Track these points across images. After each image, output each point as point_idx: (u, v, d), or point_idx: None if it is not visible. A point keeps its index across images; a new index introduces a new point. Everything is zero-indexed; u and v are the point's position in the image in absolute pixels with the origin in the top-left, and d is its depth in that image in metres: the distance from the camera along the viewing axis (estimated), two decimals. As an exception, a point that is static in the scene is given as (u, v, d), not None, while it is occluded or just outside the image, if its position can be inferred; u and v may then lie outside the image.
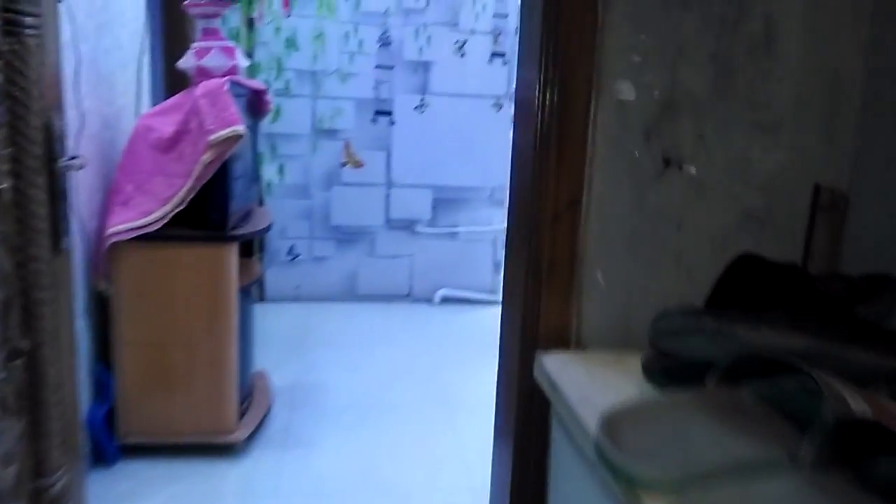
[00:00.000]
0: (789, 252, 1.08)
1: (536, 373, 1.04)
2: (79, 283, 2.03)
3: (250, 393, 2.55)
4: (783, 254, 1.04)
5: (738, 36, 1.02)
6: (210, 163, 2.05)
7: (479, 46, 3.85)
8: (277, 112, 3.72)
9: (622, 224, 1.06)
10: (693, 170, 1.05)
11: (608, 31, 1.01)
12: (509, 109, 3.94)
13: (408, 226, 4.02)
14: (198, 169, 2.05)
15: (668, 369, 0.87)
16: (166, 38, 3.04)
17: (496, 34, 3.85)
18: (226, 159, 2.07)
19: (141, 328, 2.17)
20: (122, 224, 2.08)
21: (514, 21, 3.86)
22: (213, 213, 2.14)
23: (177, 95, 2.25)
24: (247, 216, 2.43)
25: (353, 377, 3.01)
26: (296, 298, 4.00)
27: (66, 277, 1.22)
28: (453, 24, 3.81)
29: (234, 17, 3.41)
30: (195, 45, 2.18)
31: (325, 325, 3.67)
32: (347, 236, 3.99)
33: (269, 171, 3.81)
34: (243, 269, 2.39)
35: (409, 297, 4.11)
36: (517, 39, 1.22)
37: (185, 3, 2.16)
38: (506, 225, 1.22)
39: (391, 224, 4.01)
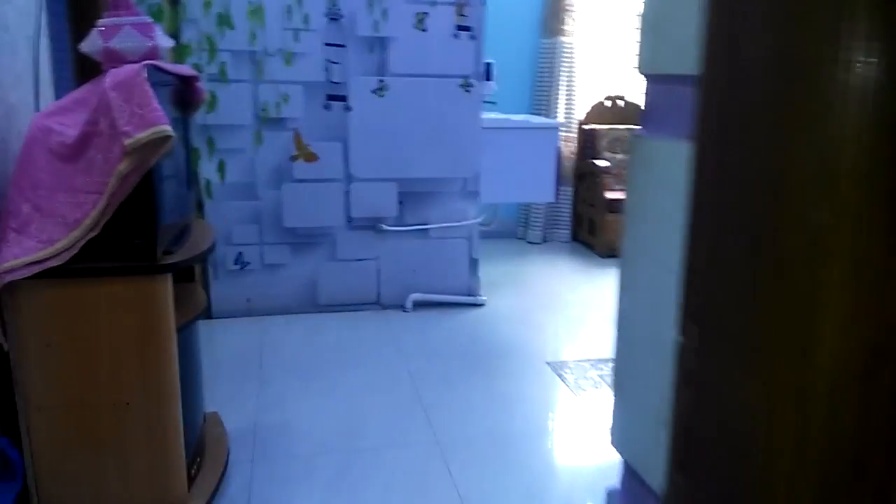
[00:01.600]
0: None
1: None
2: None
3: (201, 448, 2.09)
4: None
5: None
6: (128, 174, 1.57)
7: (443, 19, 3.41)
8: (213, 100, 3.21)
9: None
10: None
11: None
12: (480, 89, 3.52)
13: (372, 225, 3.58)
14: (112, 183, 1.58)
15: None
16: (72, 14, 2.51)
17: (461, 5, 3.41)
18: (149, 168, 1.60)
19: (55, 388, 1.69)
20: (18, 258, 1.59)
21: (480, -11, 3.42)
22: (137, 237, 1.67)
23: (82, 87, 1.76)
24: (183, 233, 1.96)
25: (322, 412, 2.57)
26: (247, 313, 3.53)
27: None
28: (412, -6, 3.36)
29: (156, -9, 2.88)
30: (101, 22, 1.69)
31: (284, 343, 3.22)
32: (304, 240, 3.53)
33: (207, 170, 3.30)
34: (183, 300, 1.93)
35: (377, 304, 3.68)
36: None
37: (84, -34, 1.67)
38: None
39: (353, 224, 3.56)
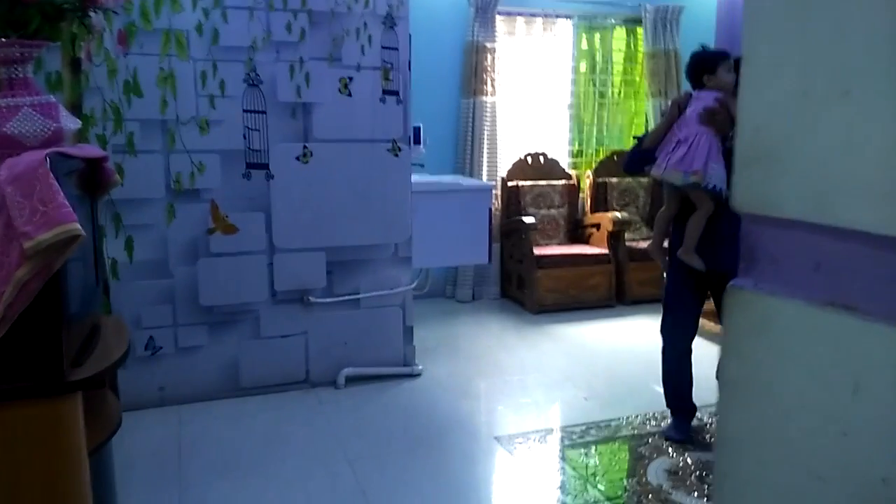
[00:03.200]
0: None
1: None
2: None
3: (117, 584, 1.79)
4: None
5: None
6: (28, 281, 1.33)
7: (368, 84, 3.29)
8: (119, 173, 2.93)
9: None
10: None
11: None
12: (409, 154, 3.41)
13: (299, 297, 3.36)
14: (9, 292, 1.32)
15: None
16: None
17: (386, 70, 3.31)
18: (54, 272, 1.36)
19: (-70, 543, 1.38)
20: None
21: (404, 54, 3.34)
22: (40, 352, 1.41)
23: (-33, 176, 1.50)
24: (91, 335, 1.70)
25: (256, 517, 2.30)
26: (160, 403, 3.19)
27: None
28: (335, 59, 3.22)
29: (53, 59, 2.62)
30: (-8, 101, 1.45)
31: (205, 436, 2.91)
32: (223, 318, 3.25)
33: (113, 249, 3.00)
34: (93, 413, 1.66)
35: (306, 382, 3.43)
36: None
37: (-29, 40, 1.43)
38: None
39: (277, 298, 3.32)
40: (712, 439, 2.76)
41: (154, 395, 3.17)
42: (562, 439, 2.94)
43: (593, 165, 5.36)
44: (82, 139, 2.59)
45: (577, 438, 2.94)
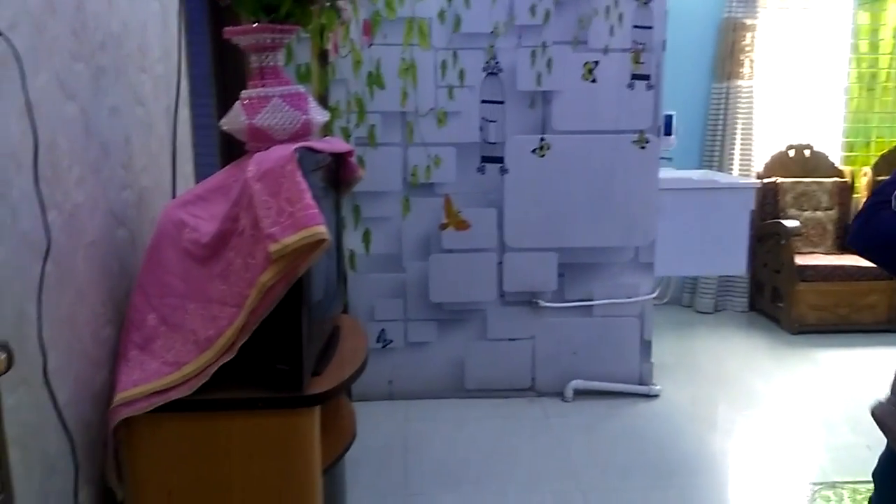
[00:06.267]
0: None
1: None
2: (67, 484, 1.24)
3: None
4: None
5: None
6: (272, 286, 1.23)
7: (615, 68, 2.96)
8: (360, 165, 2.92)
9: None
10: None
11: None
12: (657, 146, 3.02)
13: (527, 300, 3.14)
14: (253, 296, 1.23)
15: None
16: (217, 80, 2.30)
17: (637, 52, 2.95)
18: (298, 277, 1.24)
19: (174, 545, 1.35)
20: (138, 385, 1.28)
21: (659, 33, 2.96)
22: (280, 361, 1.31)
23: (221, 171, 1.46)
24: (329, 342, 1.60)
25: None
26: (389, 396, 3.17)
27: None
28: (580, 43, 2.94)
29: (303, 51, 2.65)
30: (245, 94, 1.38)
31: (431, 439, 2.80)
32: (451, 316, 3.14)
33: (352, 241, 3.01)
34: (328, 426, 1.56)
35: (531, 390, 3.21)
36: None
37: (227, 28, 1.37)
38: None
39: (506, 299, 3.13)
40: None
41: (383, 389, 3.16)
42: (841, 499, 2.40)
43: (871, 161, 4.49)
44: (327, 132, 2.59)
45: (860, 500, 2.38)
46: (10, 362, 0.73)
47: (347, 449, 1.57)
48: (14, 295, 1.05)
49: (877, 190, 1.35)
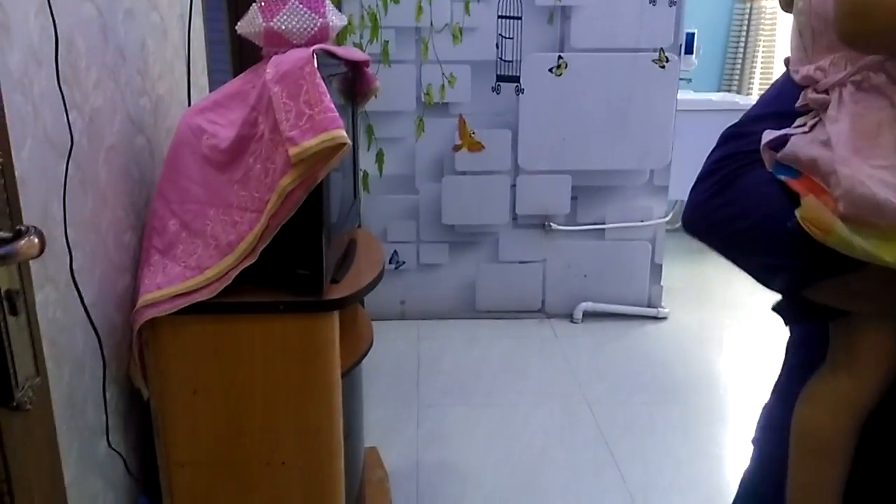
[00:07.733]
0: None
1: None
2: (92, 386, 1.29)
3: (361, 500, 1.78)
4: None
5: None
6: (292, 190, 1.23)
7: (637, -18, 2.87)
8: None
9: None
10: None
11: None
12: (677, 66, 2.95)
13: (539, 223, 3.15)
14: (273, 200, 1.24)
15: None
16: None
17: (660, -36, 2.85)
18: (318, 182, 1.25)
19: (200, 443, 1.41)
20: (162, 288, 1.31)
21: (684, -56, 2.84)
22: (301, 266, 1.33)
23: (239, 77, 1.45)
24: (347, 253, 1.62)
25: (493, 452, 2.19)
26: (401, 316, 3.23)
27: None
28: (602, -46, 2.84)
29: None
30: (261, -6, 1.35)
31: (443, 357, 2.87)
32: (463, 238, 3.16)
33: (365, 162, 2.99)
34: (346, 333, 1.59)
35: (541, 311, 3.26)
36: None
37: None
38: None
39: (518, 222, 3.14)
40: None
41: (395, 309, 3.21)
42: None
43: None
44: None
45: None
46: (42, 247, 0.75)
47: (365, 354, 1.61)
48: (39, 193, 1.06)
49: (729, 131, 0.95)
